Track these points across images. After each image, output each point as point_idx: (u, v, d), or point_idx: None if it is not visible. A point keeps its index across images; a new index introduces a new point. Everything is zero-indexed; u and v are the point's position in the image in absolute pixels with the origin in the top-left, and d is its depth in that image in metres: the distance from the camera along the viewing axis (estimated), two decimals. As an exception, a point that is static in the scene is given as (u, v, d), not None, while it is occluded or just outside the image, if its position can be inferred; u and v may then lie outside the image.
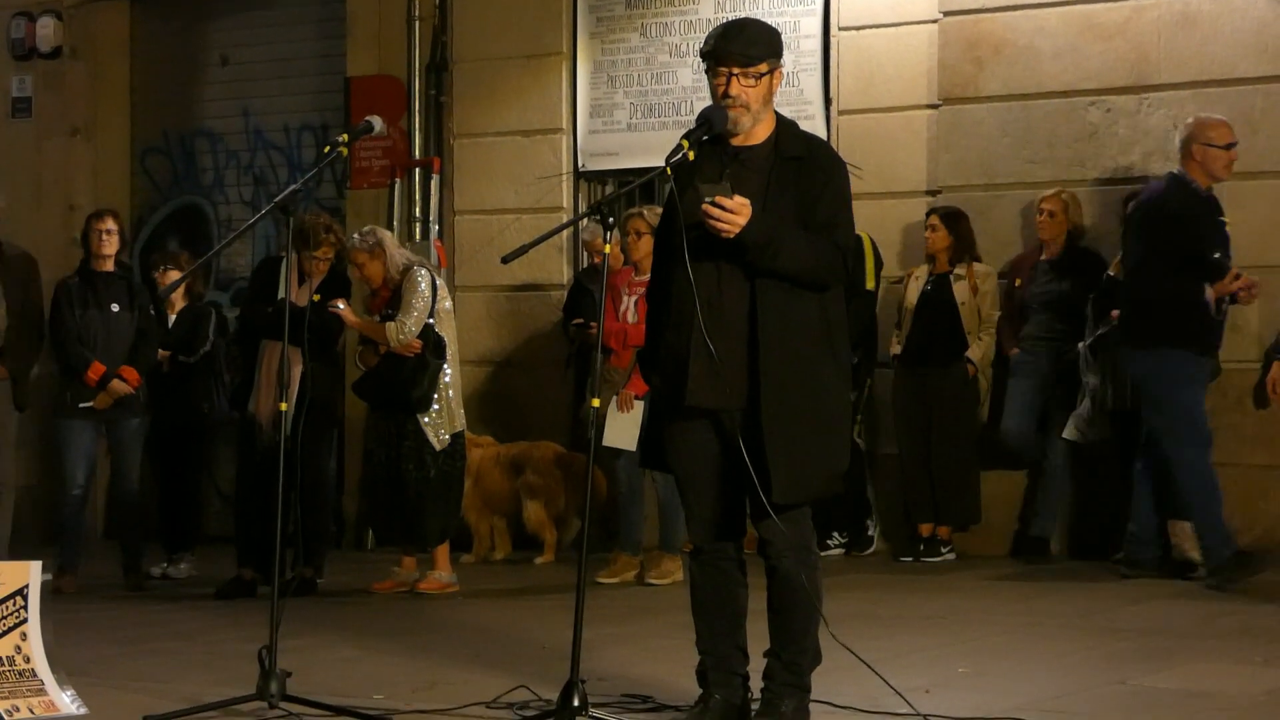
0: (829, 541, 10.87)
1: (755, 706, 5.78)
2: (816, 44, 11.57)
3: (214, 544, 11.58)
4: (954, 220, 10.82)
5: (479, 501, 11.23)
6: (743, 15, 10.64)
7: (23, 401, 10.26)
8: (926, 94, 11.31)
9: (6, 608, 6.23)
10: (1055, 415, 10.60)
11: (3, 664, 6.18)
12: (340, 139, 6.52)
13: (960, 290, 10.79)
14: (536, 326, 12.40)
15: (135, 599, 10.04)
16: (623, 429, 9.61)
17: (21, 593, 6.28)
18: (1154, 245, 9.33)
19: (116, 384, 10.21)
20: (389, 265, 9.86)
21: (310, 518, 9.65)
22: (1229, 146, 9.46)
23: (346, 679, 6.87)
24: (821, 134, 10.91)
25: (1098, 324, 10.38)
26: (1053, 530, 10.65)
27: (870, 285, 10.94)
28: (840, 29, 11.49)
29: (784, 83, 6.20)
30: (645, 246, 9.45)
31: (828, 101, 11.53)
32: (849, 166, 5.96)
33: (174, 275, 11.02)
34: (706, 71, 5.75)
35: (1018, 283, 10.79)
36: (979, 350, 10.80)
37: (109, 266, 10.38)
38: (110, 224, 10.37)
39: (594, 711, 5.65)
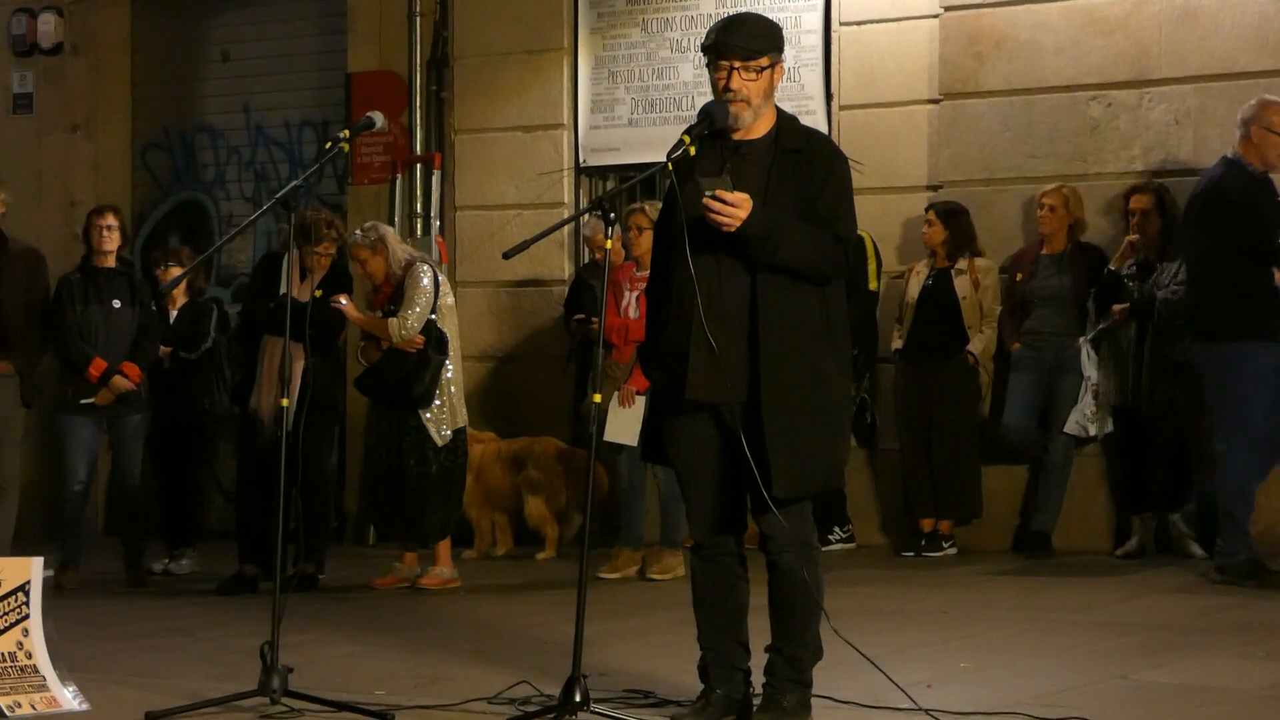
0: (830, 537, 10.86)
1: (757, 702, 5.78)
2: (817, 39, 11.57)
3: (215, 540, 11.59)
4: (951, 216, 10.82)
5: (480, 497, 11.23)
6: (744, 10, 10.63)
7: (30, 398, 10.27)
8: (927, 89, 11.31)
9: (8, 604, 6.24)
10: (1057, 410, 10.60)
11: (4, 660, 6.18)
12: (341, 135, 6.51)
13: (961, 285, 10.79)
14: (538, 322, 12.40)
15: (137, 595, 10.04)
16: (624, 424, 9.60)
17: (23, 589, 6.28)
18: (1216, 234, 9.06)
19: (118, 380, 10.21)
20: (391, 261, 9.86)
21: (312, 513, 9.66)
22: None
23: (348, 674, 6.87)
24: (822, 129, 10.91)
25: (1099, 319, 10.39)
26: (1054, 525, 10.65)
27: (874, 285, 10.94)
28: (841, 24, 11.49)
29: (785, 78, 6.20)
30: (647, 242, 9.44)
31: (829, 97, 11.53)
32: (850, 161, 5.96)
33: (175, 271, 11.02)
34: (708, 65, 5.75)
35: (1019, 278, 10.79)
36: (980, 343, 10.80)
37: (110, 263, 10.38)
38: (111, 220, 10.37)
39: (596, 707, 5.65)
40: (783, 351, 5.58)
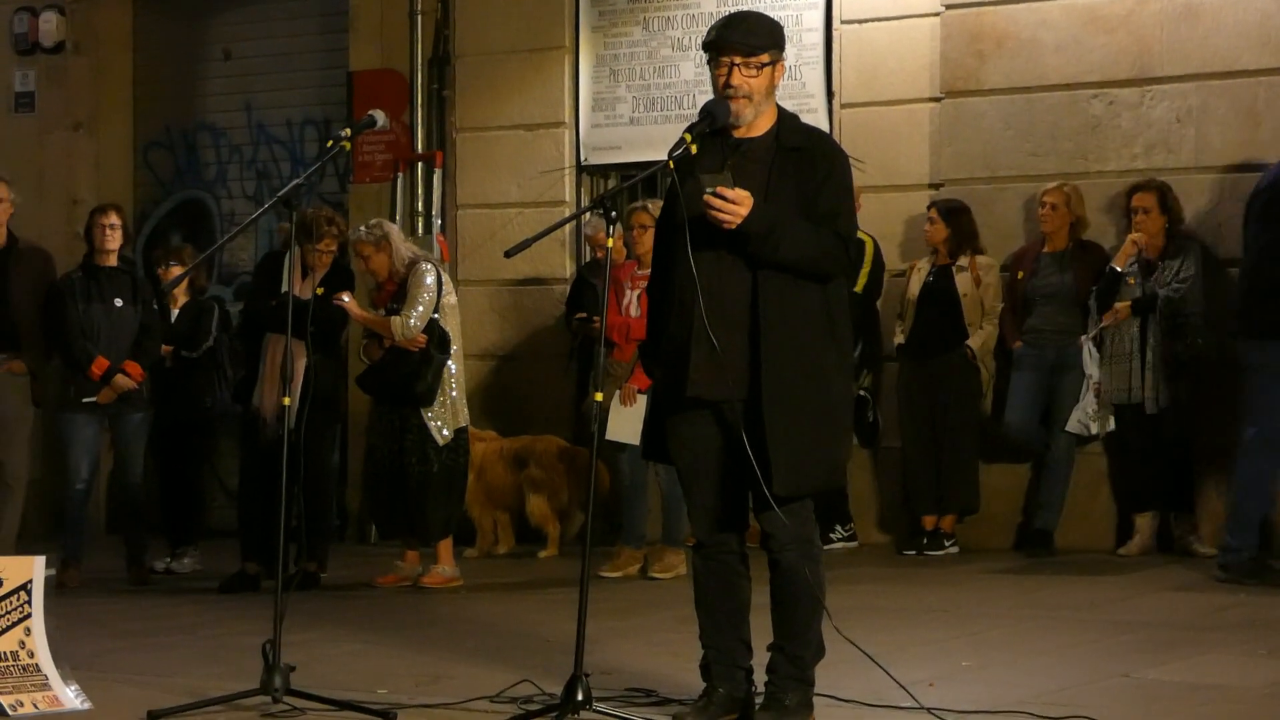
0: (832, 535, 10.86)
1: (759, 700, 5.78)
2: (819, 37, 11.56)
3: (217, 538, 11.59)
4: (953, 214, 10.82)
5: (482, 496, 11.22)
6: (745, 8, 10.63)
7: (41, 397, 10.29)
8: (929, 87, 11.31)
9: (10, 602, 6.24)
10: (1059, 408, 10.60)
11: (7, 659, 6.18)
12: (343, 133, 6.51)
13: (963, 281, 10.79)
14: (539, 320, 12.39)
15: (139, 593, 10.04)
16: (626, 423, 9.60)
17: (25, 587, 6.28)
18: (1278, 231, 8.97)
19: (120, 379, 10.21)
20: (394, 258, 9.85)
21: (313, 512, 9.66)
22: None
23: (350, 673, 6.87)
24: (824, 127, 10.91)
25: (1100, 317, 10.39)
26: (1056, 523, 10.65)
27: (858, 288, 10.85)
28: (842, 22, 11.49)
29: (786, 76, 6.20)
30: (649, 241, 9.43)
31: (830, 95, 11.52)
32: (851, 159, 5.96)
33: (177, 270, 11.03)
34: (709, 62, 5.75)
35: (1020, 276, 10.79)
36: (978, 339, 10.79)
37: (112, 261, 10.38)
38: (113, 219, 10.37)
39: (598, 706, 5.66)
40: (784, 349, 5.58)
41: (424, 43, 12.68)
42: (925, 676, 6.39)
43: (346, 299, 9.75)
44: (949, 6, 11.18)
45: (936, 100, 11.28)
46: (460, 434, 9.92)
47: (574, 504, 11.28)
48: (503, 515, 11.46)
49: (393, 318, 9.73)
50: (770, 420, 5.55)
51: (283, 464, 6.38)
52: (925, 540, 10.82)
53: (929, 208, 10.96)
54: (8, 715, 6.05)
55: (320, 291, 9.61)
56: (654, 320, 5.90)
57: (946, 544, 10.82)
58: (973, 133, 11.14)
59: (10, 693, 6.11)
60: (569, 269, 12.26)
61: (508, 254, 6.11)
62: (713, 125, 5.67)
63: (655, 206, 9.41)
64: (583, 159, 12.31)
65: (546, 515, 11.24)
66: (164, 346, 10.83)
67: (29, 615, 6.27)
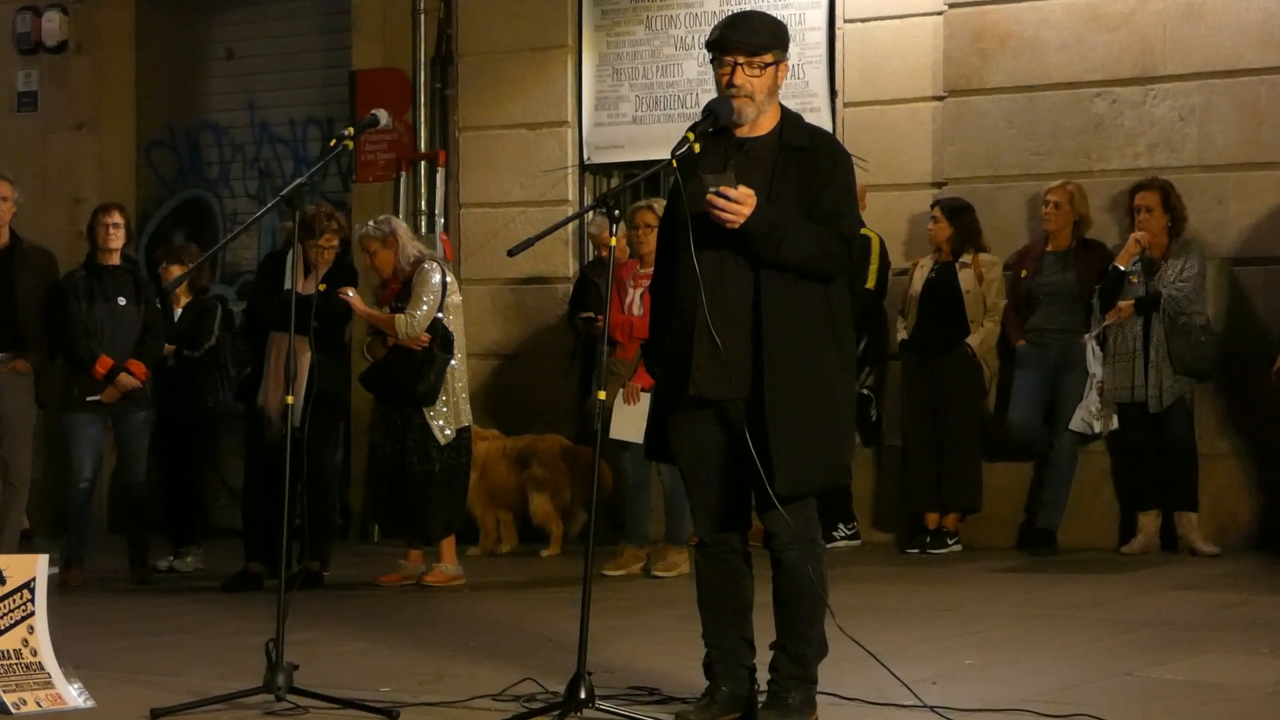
0: (835, 534, 10.86)
1: (762, 699, 5.78)
2: (822, 36, 11.56)
3: (220, 537, 11.60)
4: (957, 212, 10.82)
5: (485, 494, 11.22)
6: (748, 7, 10.64)
7: (44, 396, 10.30)
8: (932, 86, 11.31)
9: (13, 601, 6.24)
10: (1062, 407, 10.60)
11: (10, 657, 6.19)
12: (346, 132, 6.52)
13: (966, 278, 10.79)
14: (542, 319, 12.39)
15: (141, 592, 10.04)
16: (629, 421, 9.60)
17: (28, 586, 6.28)
18: None
19: (124, 378, 10.21)
20: (400, 255, 9.83)
21: (317, 511, 9.67)
22: None
23: (353, 672, 6.88)
24: (827, 126, 10.90)
25: (1103, 315, 10.39)
26: (1059, 522, 10.65)
27: (870, 284, 10.90)
28: (845, 21, 11.49)
29: (789, 75, 6.20)
30: (654, 240, 9.41)
31: (833, 94, 11.52)
32: (854, 158, 5.95)
33: (176, 269, 11.03)
34: (712, 61, 5.75)
35: (1023, 274, 10.79)
36: (979, 337, 10.79)
37: (115, 260, 10.38)
38: (116, 218, 10.37)
39: (601, 704, 5.66)
40: (786, 348, 5.58)
41: (427, 42, 12.68)
42: (928, 675, 6.39)
43: (350, 294, 9.74)
44: (952, 5, 11.18)
45: (939, 99, 11.28)
46: (463, 434, 9.92)
47: (576, 503, 11.28)
48: (505, 514, 11.46)
49: (397, 316, 9.73)
50: (773, 419, 5.55)
51: (286, 463, 6.38)
52: (928, 539, 10.82)
53: (933, 206, 10.96)
54: (10, 713, 6.05)
55: (323, 288, 9.61)
56: (656, 319, 5.90)
57: (949, 542, 10.82)
58: (976, 131, 11.14)
59: (13, 691, 6.11)
60: (572, 268, 12.27)
61: (510, 253, 6.11)
62: (716, 124, 5.67)
63: (659, 205, 9.41)
64: (585, 158, 12.31)
65: (549, 514, 11.24)
66: (166, 346, 10.84)
67: (32, 614, 6.27)
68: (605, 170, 12.29)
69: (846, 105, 11.49)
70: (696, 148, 5.62)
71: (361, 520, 12.34)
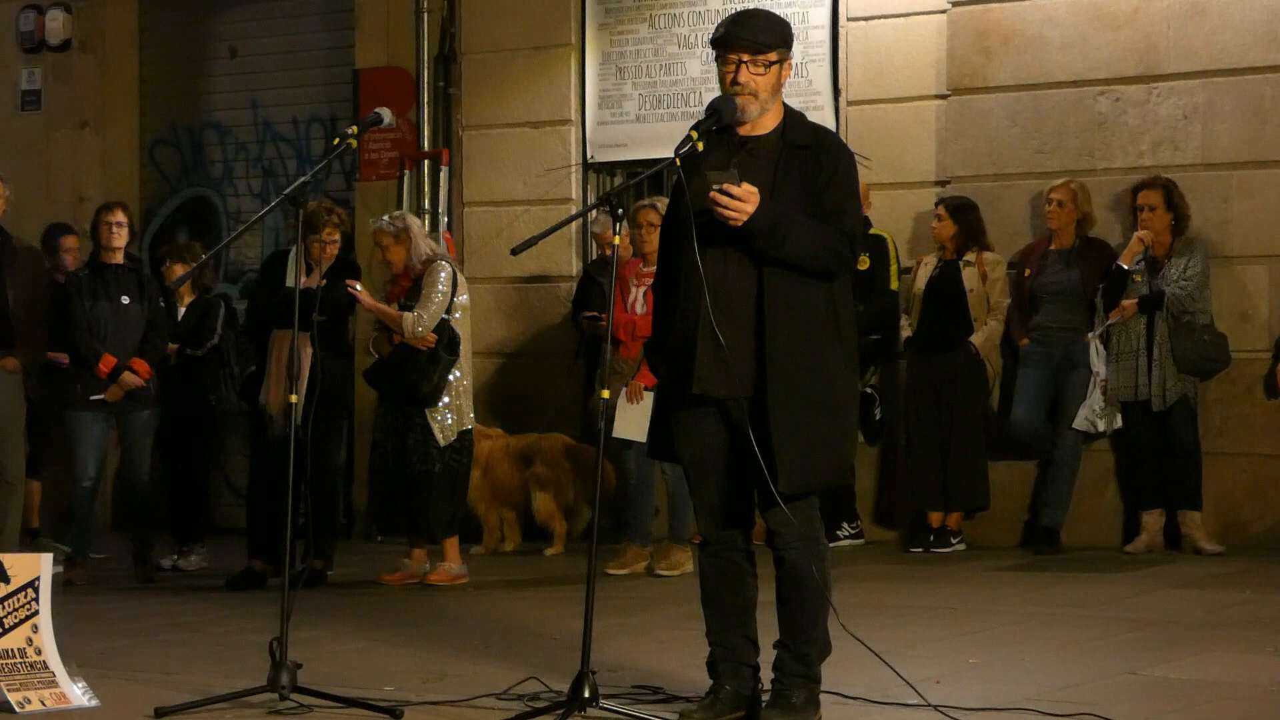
0: (838, 532, 10.86)
1: (765, 697, 5.78)
2: (825, 35, 11.55)
3: (224, 535, 11.60)
4: (961, 211, 10.81)
5: (488, 493, 11.22)
6: (752, 5, 10.63)
7: (35, 394, 10.28)
8: (935, 84, 11.30)
9: (17, 600, 6.24)
10: (1065, 405, 10.60)
11: (14, 656, 6.19)
12: (349, 131, 6.52)
13: (969, 276, 10.78)
14: (545, 318, 12.39)
15: (145, 591, 10.05)
16: (632, 420, 9.60)
17: (32, 585, 6.29)
18: None
19: (128, 376, 10.21)
20: (413, 253, 9.81)
21: (320, 509, 9.67)
22: None
23: (357, 670, 6.88)
24: (830, 125, 10.91)
25: (1107, 314, 10.39)
26: (1062, 520, 10.64)
27: (894, 285, 10.96)
28: (849, 19, 11.48)
29: (793, 73, 6.19)
30: (657, 239, 9.41)
31: (836, 92, 11.51)
32: (857, 157, 5.95)
33: (179, 268, 11.03)
34: (716, 59, 5.75)
35: (1027, 273, 10.78)
36: (982, 335, 10.79)
37: (118, 259, 10.39)
38: (120, 216, 10.38)
39: (604, 703, 5.67)
40: (789, 346, 5.58)
41: (430, 40, 12.68)
42: (932, 674, 6.39)
43: (358, 287, 9.74)
44: (955, 4, 11.18)
45: (943, 97, 11.27)
46: (464, 435, 9.91)
47: (580, 501, 11.28)
48: (509, 513, 11.46)
49: (405, 314, 9.72)
50: (776, 417, 5.55)
51: (289, 461, 6.38)
52: (932, 537, 10.82)
53: (937, 204, 10.95)
54: (15, 712, 6.06)
55: (324, 284, 9.60)
56: (659, 318, 5.90)
57: (953, 541, 10.82)
58: (979, 130, 11.13)
59: (18, 690, 6.12)
60: (575, 266, 12.26)
61: (514, 251, 6.12)
62: (719, 123, 5.67)
63: (663, 204, 9.41)
64: (589, 156, 12.31)
65: (552, 513, 11.24)
66: (170, 344, 10.84)
67: (36, 612, 6.27)
68: (608, 169, 12.29)
69: (850, 104, 11.48)
70: (700, 146, 5.63)
71: (365, 519, 12.34)
